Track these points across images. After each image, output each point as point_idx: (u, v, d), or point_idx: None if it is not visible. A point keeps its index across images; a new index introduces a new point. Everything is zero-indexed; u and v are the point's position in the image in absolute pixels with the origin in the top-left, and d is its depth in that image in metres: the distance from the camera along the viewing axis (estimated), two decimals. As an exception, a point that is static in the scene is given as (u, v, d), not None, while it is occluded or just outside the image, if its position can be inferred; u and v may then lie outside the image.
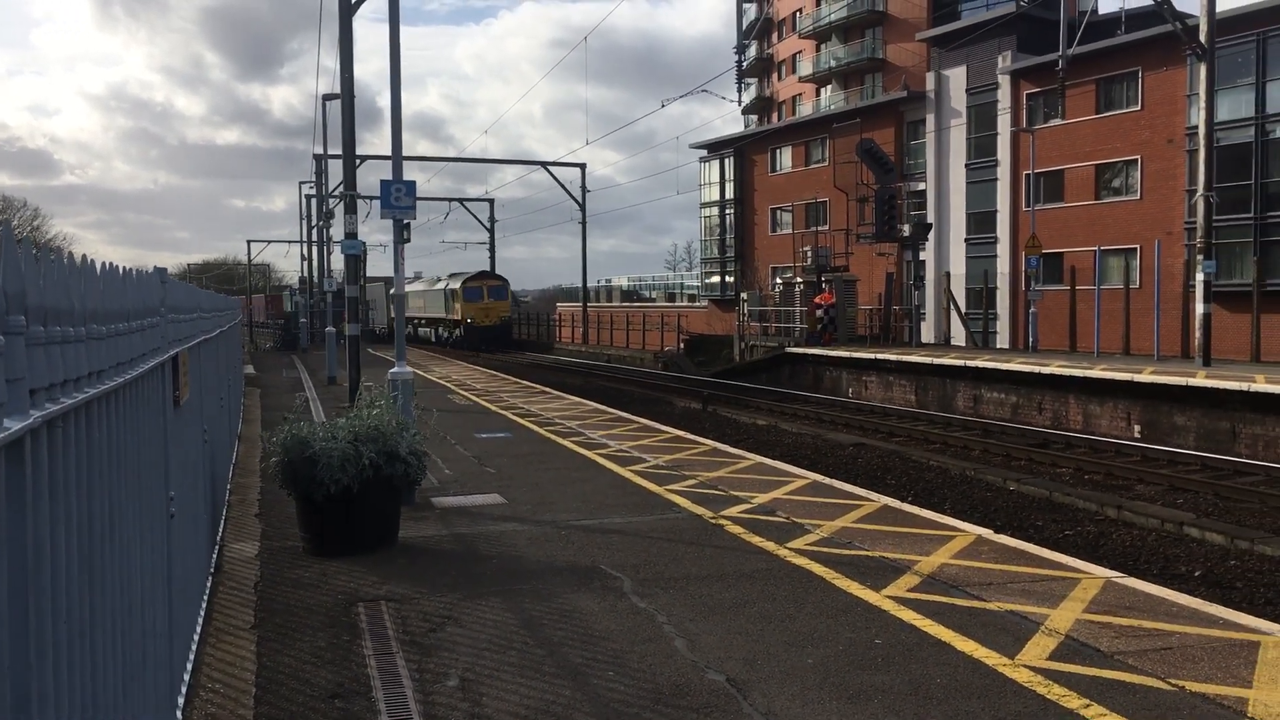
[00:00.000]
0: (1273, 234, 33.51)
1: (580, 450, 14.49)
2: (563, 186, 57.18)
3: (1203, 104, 23.87)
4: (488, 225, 67.87)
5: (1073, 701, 5.25)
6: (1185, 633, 6.32)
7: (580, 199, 56.88)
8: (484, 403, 21.70)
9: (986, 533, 9.28)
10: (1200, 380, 20.30)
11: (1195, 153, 27.34)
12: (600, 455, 13.96)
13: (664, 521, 9.72)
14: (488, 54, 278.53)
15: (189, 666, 5.42)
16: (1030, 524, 13.63)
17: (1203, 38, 23.41)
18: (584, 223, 57.09)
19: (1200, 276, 23.91)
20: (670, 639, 6.36)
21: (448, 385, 26.43)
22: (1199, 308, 23.98)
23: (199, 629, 6.19)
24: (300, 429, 8.64)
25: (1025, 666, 5.76)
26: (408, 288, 66.66)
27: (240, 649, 6.28)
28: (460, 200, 68.29)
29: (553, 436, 16.06)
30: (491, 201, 68.79)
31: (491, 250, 67.75)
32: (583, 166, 57.67)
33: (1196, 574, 11.11)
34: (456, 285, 58.50)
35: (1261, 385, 19.09)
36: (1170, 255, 34.39)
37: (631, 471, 12.57)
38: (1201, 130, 23.99)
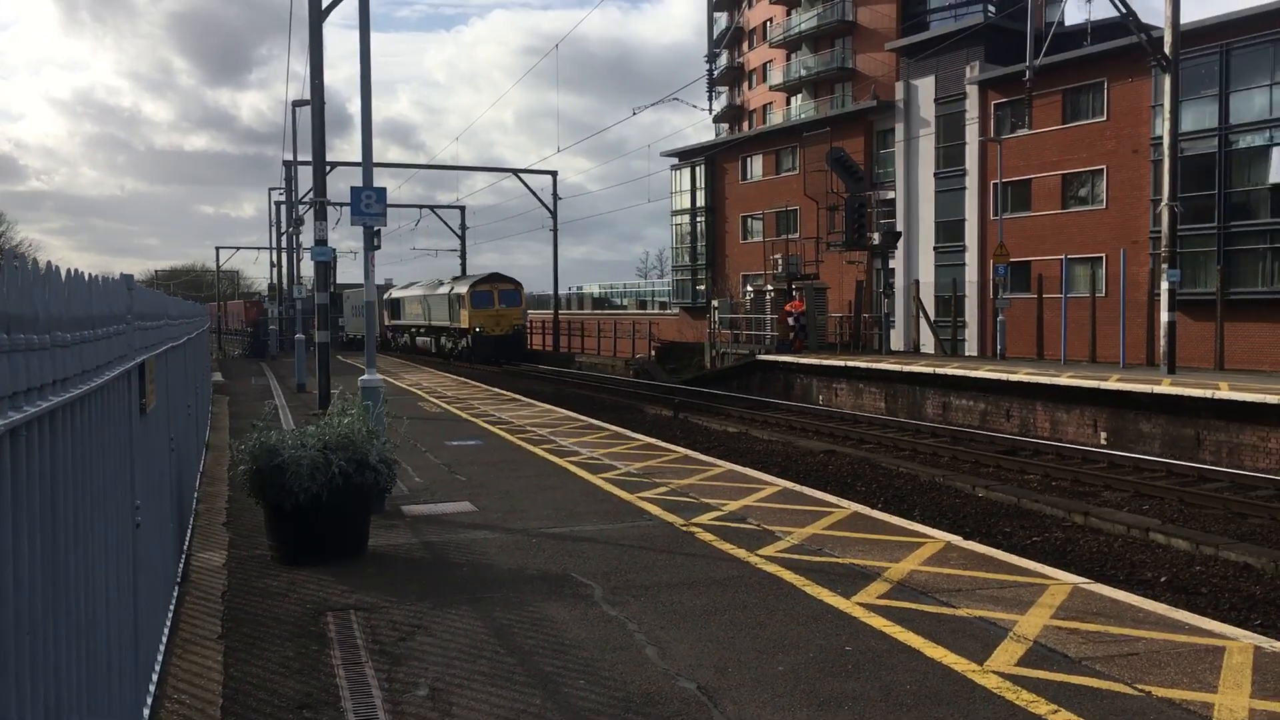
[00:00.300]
0: (1236, 243, 33.95)
1: (551, 457, 14.47)
2: (534, 194, 57.13)
3: (1167, 115, 24.16)
4: (459, 232, 67.70)
5: (1041, 707, 5.29)
6: (1151, 638, 6.38)
7: (551, 206, 56.83)
8: (455, 410, 21.62)
9: (955, 539, 9.33)
10: (1165, 388, 20.52)
11: (1160, 163, 27.68)
12: (571, 462, 13.94)
13: (635, 529, 9.72)
14: (459, 61, 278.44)
15: (154, 677, 5.36)
16: (999, 530, 13.72)
17: (1167, 49, 23.70)
18: (555, 230, 57.03)
19: (1165, 285, 24.18)
20: (641, 647, 6.36)
21: (418, 393, 26.31)
22: (1164, 316, 24.25)
23: (165, 639, 6.12)
24: (269, 437, 8.58)
25: (994, 672, 5.79)
26: (405, 293, 63.75)
27: (207, 659, 6.22)
28: (431, 207, 68.09)
29: (524, 444, 16.02)
30: (463, 208, 68.65)
31: (463, 257, 67.55)
32: (554, 174, 57.63)
33: (1162, 580, 11.21)
34: (463, 289, 51.20)
35: (1225, 393, 19.32)
36: (1136, 264, 34.77)
37: (603, 479, 12.56)
38: (1166, 141, 24.27)
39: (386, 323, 66.32)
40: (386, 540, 9.34)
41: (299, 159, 41.36)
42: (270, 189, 55.61)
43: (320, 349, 19.51)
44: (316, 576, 8.11)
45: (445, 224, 67.67)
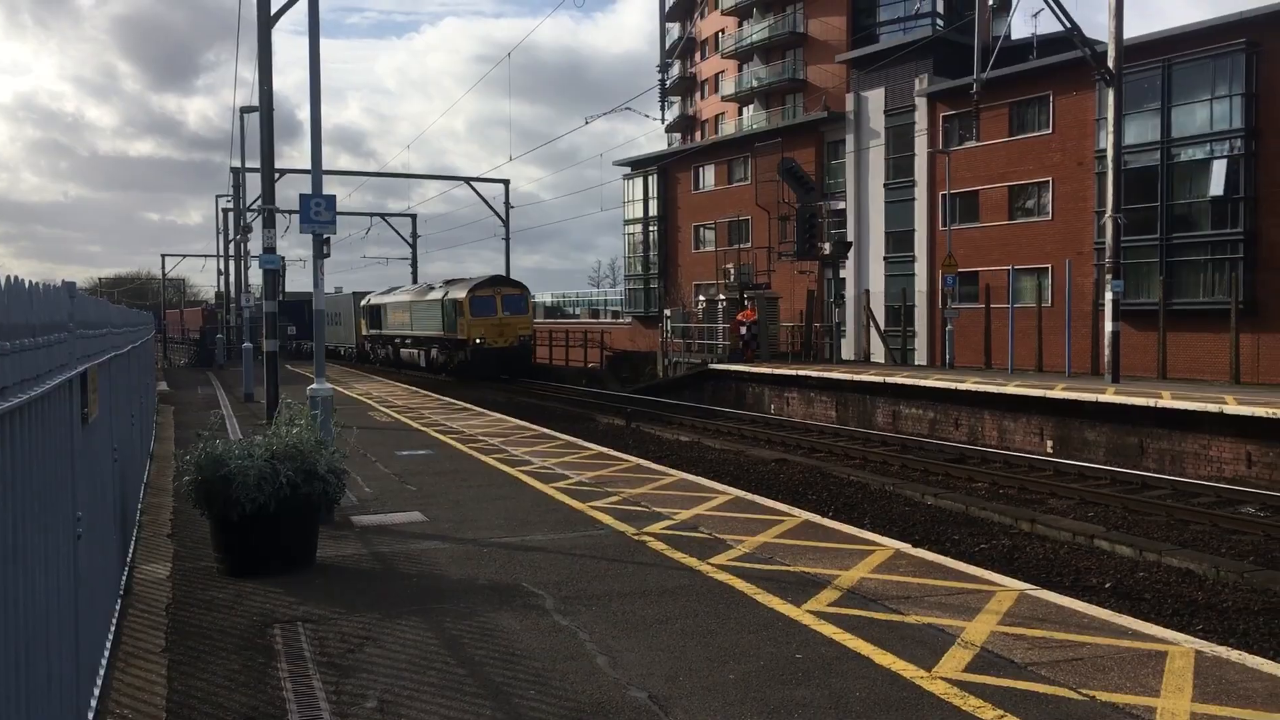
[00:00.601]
0: (1177, 255, 34.61)
1: (503, 467, 14.40)
2: (486, 203, 56.89)
3: (1111, 128, 24.60)
4: (410, 240, 67.29)
5: (988, 713, 5.34)
6: (1096, 643, 6.47)
7: (504, 215, 56.67)
8: (406, 419, 21.46)
9: (905, 547, 9.42)
10: (1110, 397, 20.86)
11: (1104, 175, 28.14)
12: (523, 472, 13.89)
13: (587, 538, 9.70)
14: (410, 68, 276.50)
15: (96, 691, 5.26)
16: (947, 538, 13.86)
17: (1111, 64, 24.14)
18: (507, 239, 56.84)
19: (1109, 295, 24.59)
20: (592, 656, 6.34)
21: (369, 402, 26.09)
22: (1108, 326, 24.66)
23: (108, 652, 6.01)
24: (215, 447, 8.46)
25: (942, 679, 5.84)
26: (387, 299, 55.99)
27: (150, 673, 6.11)
28: (382, 215, 67.53)
29: (475, 453, 15.94)
30: (414, 217, 68.20)
31: (414, 266, 67.11)
32: (506, 182, 57.39)
33: (1107, 585, 11.38)
34: (461, 295, 44.39)
35: (1168, 401, 19.67)
36: (1081, 274, 35.31)
37: (554, 488, 12.53)
38: (1110, 154, 24.71)
39: (364, 332, 59.51)
40: (336, 551, 9.25)
41: (247, 166, 40.90)
42: (218, 196, 54.70)
43: (268, 358, 19.27)
44: (263, 588, 8.00)
45: (396, 232, 67.20)
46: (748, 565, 8.55)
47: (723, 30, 72.49)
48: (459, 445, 17.01)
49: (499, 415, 22.84)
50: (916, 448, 22.42)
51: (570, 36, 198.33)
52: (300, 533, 8.65)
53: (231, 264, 51.55)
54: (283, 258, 53.14)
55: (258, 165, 20.94)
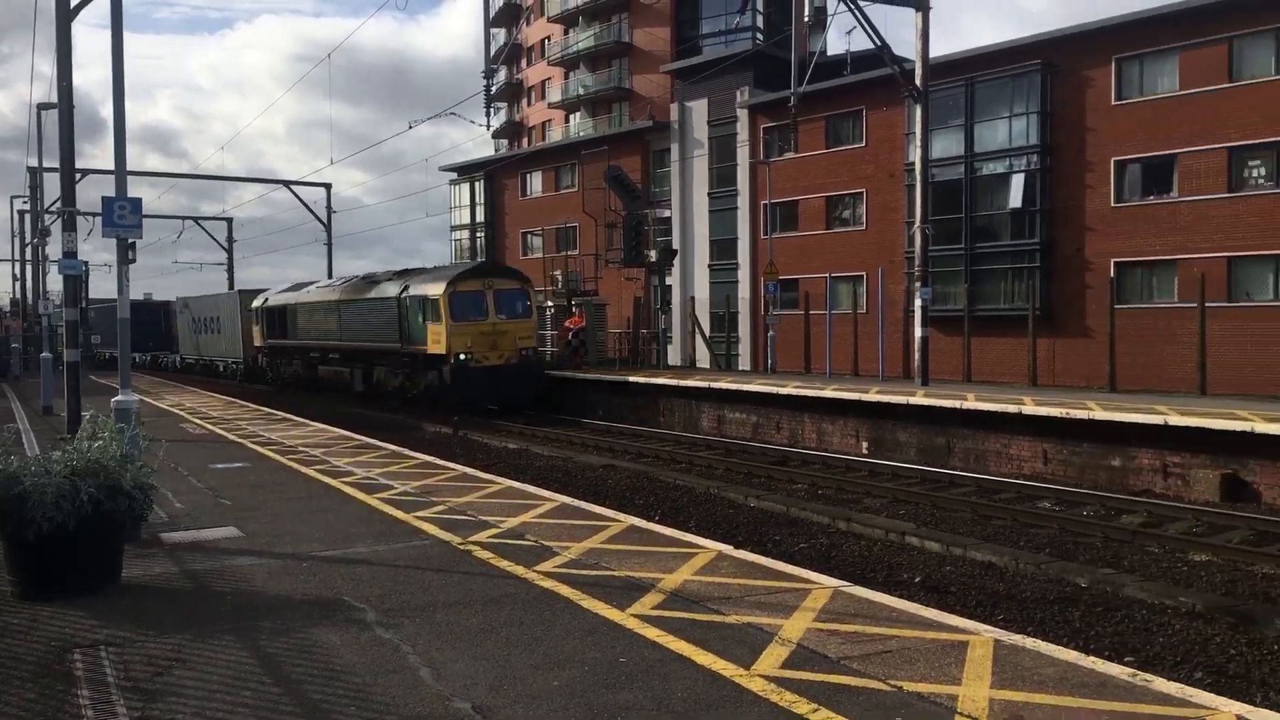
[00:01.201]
0: (981, 263, 36.51)
1: (324, 479, 14.04)
2: (307, 207, 55.33)
3: (919, 142, 25.79)
4: (226, 245, 64.88)
5: (803, 707, 5.52)
6: (904, 636, 6.77)
7: (326, 220, 55.24)
8: (221, 431, 20.67)
9: (727, 548, 9.63)
10: (919, 399, 21.83)
11: (913, 187, 29.48)
12: (345, 483, 13.57)
13: (411, 549, 9.56)
14: (224, 66, 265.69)
15: None
16: (769, 538, 14.22)
17: (918, 81, 25.30)
18: (329, 244, 55.41)
19: (919, 302, 25.75)
20: (415, 669, 6.26)
21: (181, 414, 25.01)
22: (918, 331, 25.81)
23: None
24: (9, 464, 7.97)
25: (760, 676, 6.01)
26: (297, 297, 41.30)
27: (-66, 708, 5.71)
28: (195, 219, 64.96)
29: (295, 465, 15.48)
30: (230, 220, 65.85)
31: (230, 271, 64.73)
32: (328, 186, 55.99)
33: (917, 580, 11.90)
34: (435, 289, 30.95)
35: (972, 403, 20.73)
36: (893, 282, 36.88)
37: (378, 499, 12.29)
38: (918, 167, 25.90)
39: (260, 342, 45.31)
40: (143, 570, 8.83)
41: (46, 165, 38.61)
42: (13, 197, 51.49)
43: (69, 368, 18.27)
44: (63, 612, 7.58)
45: (211, 236, 64.75)
46: (574, 571, 8.59)
47: (549, 37, 72.62)
48: (278, 457, 16.49)
49: (321, 425, 22.24)
50: (740, 451, 22.94)
51: (394, 39, 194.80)
52: (102, 552, 8.23)
53: (29, 269, 48.62)
54: (85, 263, 50.21)
55: (57, 165, 19.81)
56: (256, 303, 45.72)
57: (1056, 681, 5.86)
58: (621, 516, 11.28)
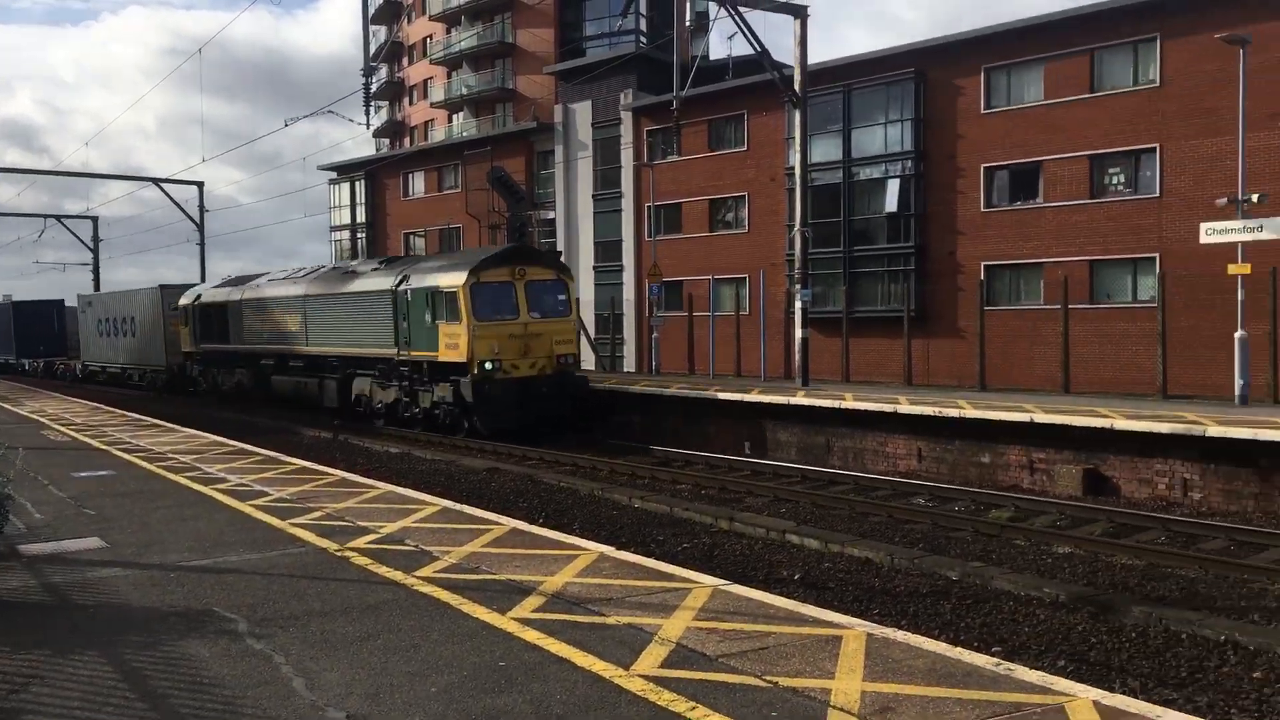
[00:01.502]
0: (859, 266, 37.35)
1: (195, 486, 13.63)
2: (178, 205, 53.61)
3: (798, 147, 26.24)
4: (91, 245, 62.48)
5: (680, 705, 5.57)
6: (781, 632, 6.89)
7: (197, 219, 53.61)
8: (85, 438, 19.89)
9: (609, 550, 9.66)
10: (800, 399, 22.22)
11: (794, 191, 29.98)
12: (218, 491, 13.20)
13: (286, 557, 9.34)
14: (90, 59, 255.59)
15: None
16: (652, 539, 14.31)
17: (797, 87, 25.75)
18: (202, 244, 53.83)
19: (799, 304, 26.21)
20: (288, 680, 6.12)
21: (42, 420, 23.99)
22: (798, 333, 26.27)
23: None
24: None
25: (639, 676, 6.04)
26: (247, 293, 34.39)
27: None
28: (58, 217, 62.40)
29: (164, 473, 14.99)
30: (95, 219, 63.40)
31: (96, 271, 62.36)
32: (200, 184, 54.36)
33: (796, 577, 12.11)
34: (455, 279, 24.95)
35: (850, 403, 21.19)
36: (774, 284, 37.43)
37: (252, 506, 11.98)
38: (798, 171, 26.36)
39: (190, 347, 38.98)
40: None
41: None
42: None
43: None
44: (-90, 630, 7.20)
45: (75, 235, 62.26)
46: (454, 576, 8.51)
47: (430, 36, 71.74)
48: (146, 465, 15.94)
49: (192, 431, 21.59)
50: (625, 452, 23.01)
51: (271, 34, 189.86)
52: (-44, 567, 7.62)
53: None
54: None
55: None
56: (185, 300, 39.09)
57: (926, 673, 6.03)
58: (504, 520, 11.22)
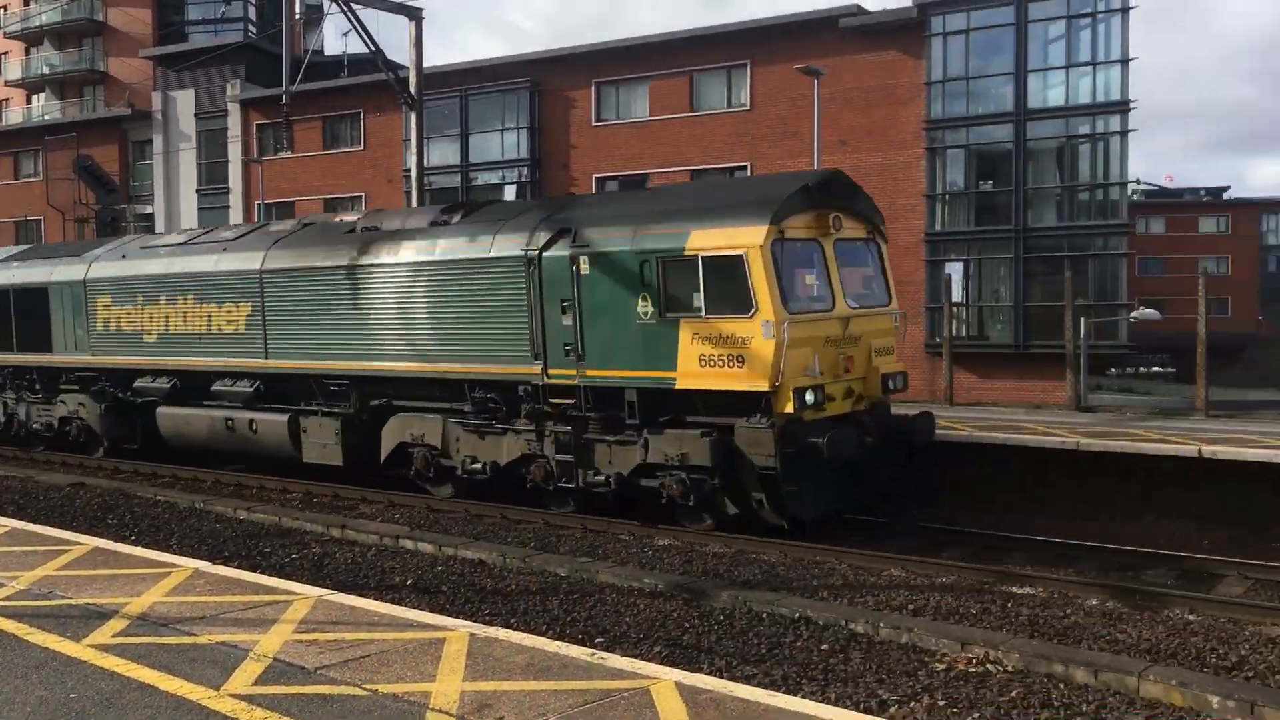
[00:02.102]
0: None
1: None
2: None
3: (414, 149, 26.06)
4: None
5: (274, 721, 5.40)
6: (385, 639, 6.84)
7: None
8: None
9: (205, 565, 9.17)
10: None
11: (411, 194, 29.79)
12: None
13: None
14: None
15: None
16: (259, 551, 13.70)
17: (413, 90, 25.57)
18: None
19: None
20: None
21: None
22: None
23: None
24: None
25: (231, 695, 5.79)
26: (145, 265, 20.69)
27: None
28: None
29: None
30: None
31: None
32: None
33: (409, 582, 12.03)
34: (734, 233, 13.10)
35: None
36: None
37: None
38: (414, 173, 26.15)
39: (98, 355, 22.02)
40: None
41: None
42: None
43: None
44: None
45: None
46: (22, 603, 7.74)
47: (6, 7, 64.48)
48: None
49: None
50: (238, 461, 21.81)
51: None
52: None
53: None
54: None
55: None
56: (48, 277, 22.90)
57: (524, 668, 6.22)
58: (86, 539, 10.35)
